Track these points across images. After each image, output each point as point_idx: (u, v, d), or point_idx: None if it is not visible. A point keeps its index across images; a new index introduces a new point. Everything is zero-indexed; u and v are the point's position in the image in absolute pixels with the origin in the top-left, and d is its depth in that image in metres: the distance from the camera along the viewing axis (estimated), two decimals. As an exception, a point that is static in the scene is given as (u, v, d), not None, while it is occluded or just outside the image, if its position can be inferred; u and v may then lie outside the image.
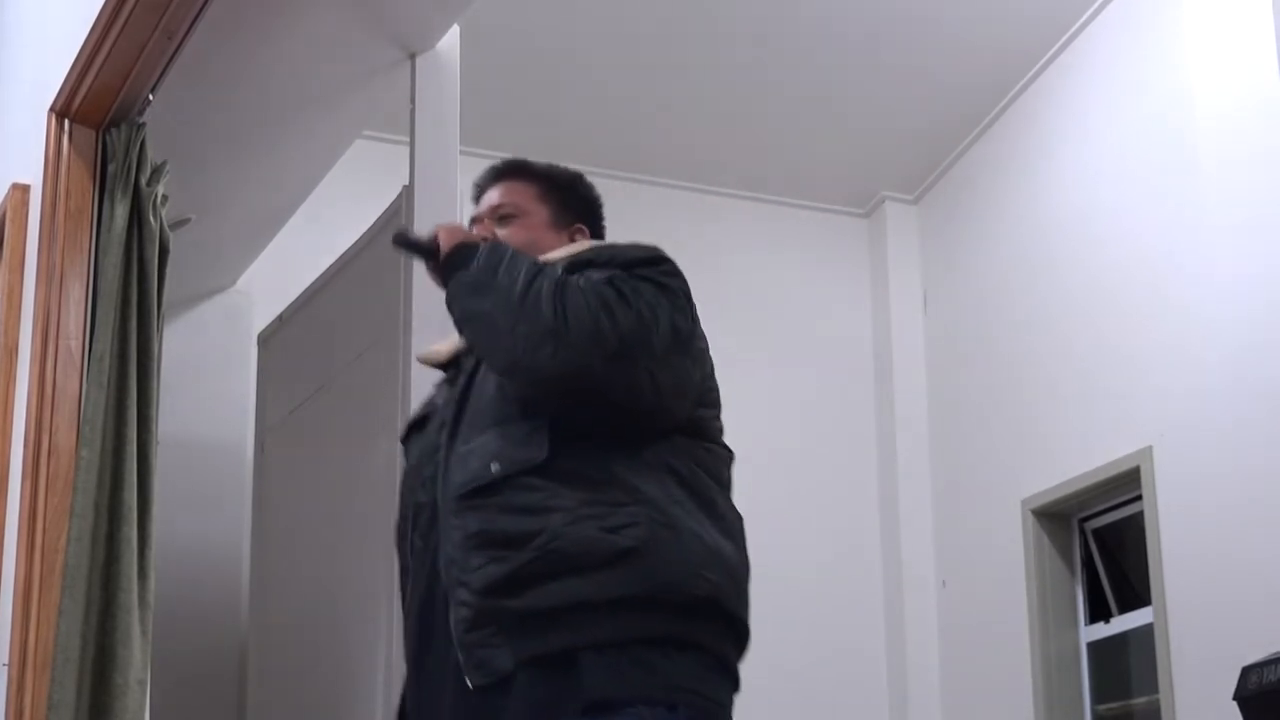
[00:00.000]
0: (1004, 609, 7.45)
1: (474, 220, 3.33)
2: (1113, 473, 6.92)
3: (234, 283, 6.47)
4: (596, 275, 2.94)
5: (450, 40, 4.99)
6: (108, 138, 4.34)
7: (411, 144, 4.91)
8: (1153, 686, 6.68)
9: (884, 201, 8.39)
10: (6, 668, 4.03)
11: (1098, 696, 7.26)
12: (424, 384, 4.52)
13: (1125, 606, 7.17)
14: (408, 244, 3.15)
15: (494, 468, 2.87)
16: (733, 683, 2.89)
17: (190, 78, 4.46)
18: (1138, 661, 7.04)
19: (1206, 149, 6.63)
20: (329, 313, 5.62)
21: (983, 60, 7.54)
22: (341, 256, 5.48)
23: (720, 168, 8.02)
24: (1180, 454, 6.59)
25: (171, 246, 4.31)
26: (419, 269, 4.75)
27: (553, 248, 3.21)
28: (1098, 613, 7.32)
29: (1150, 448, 6.72)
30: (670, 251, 3.09)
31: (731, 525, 2.95)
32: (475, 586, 2.81)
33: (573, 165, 7.56)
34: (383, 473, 4.85)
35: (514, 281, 2.89)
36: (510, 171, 3.40)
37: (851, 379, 8.25)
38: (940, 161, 8.19)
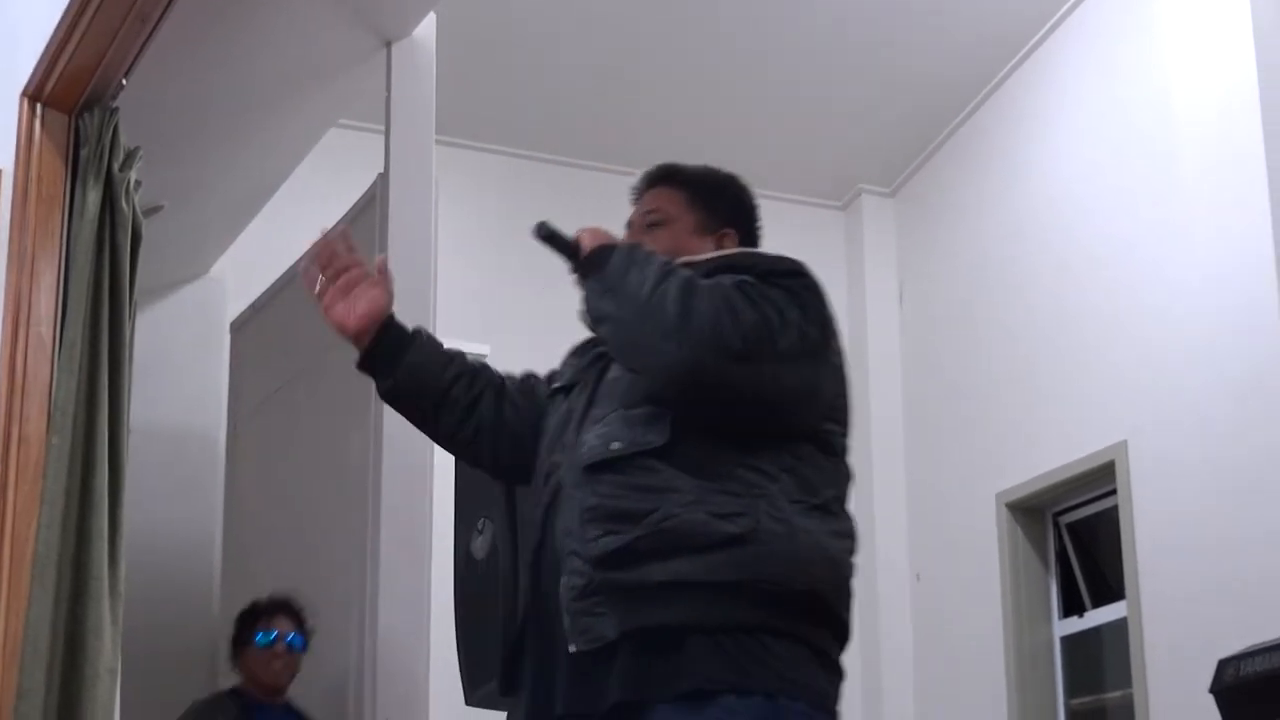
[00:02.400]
0: (978, 602, 7.45)
1: (627, 225, 3.38)
2: (1087, 467, 6.94)
3: (207, 270, 6.44)
4: (729, 279, 2.99)
5: (426, 28, 4.97)
6: (80, 122, 4.30)
7: (387, 131, 4.89)
8: (1126, 681, 6.69)
9: (861, 194, 8.39)
10: (-25, 656, 4.01)
11: (1071, 690, 7.27)
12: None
13: (1099, 600, 7.18)
14: (551, 238, 3.15)
15: (614, 446, 2.96)
16: (836, 673, 2.95)
17: (164, 63, 4.42)
18: (1111, 656, 7.05)
19: (1181, 145, 6.65)
20: (302, 301, 5.56)
21: (960, 53, 7.53)
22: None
23: (696, 158, 7.94)
24: (1154, 449, 6.60)
25: (144, 233, 4.28)
26: (394, 260, 4.74)
27: (698, 253, 3.24)
28: (1071, 607, 7.32)
29: (1124, 442, 6.72)
30: (645, 243, 3.10)
31: (844, 531, 3.01)
32: (589, 557, 2.89)
33: (545, 155, 7.57)
34: (355, 461, 4.84)
35: (643, 282, 2.96)
36: (662, 177, 3.45)
37: (826, 371, 8.22)
38: (917, 155, 8.19)
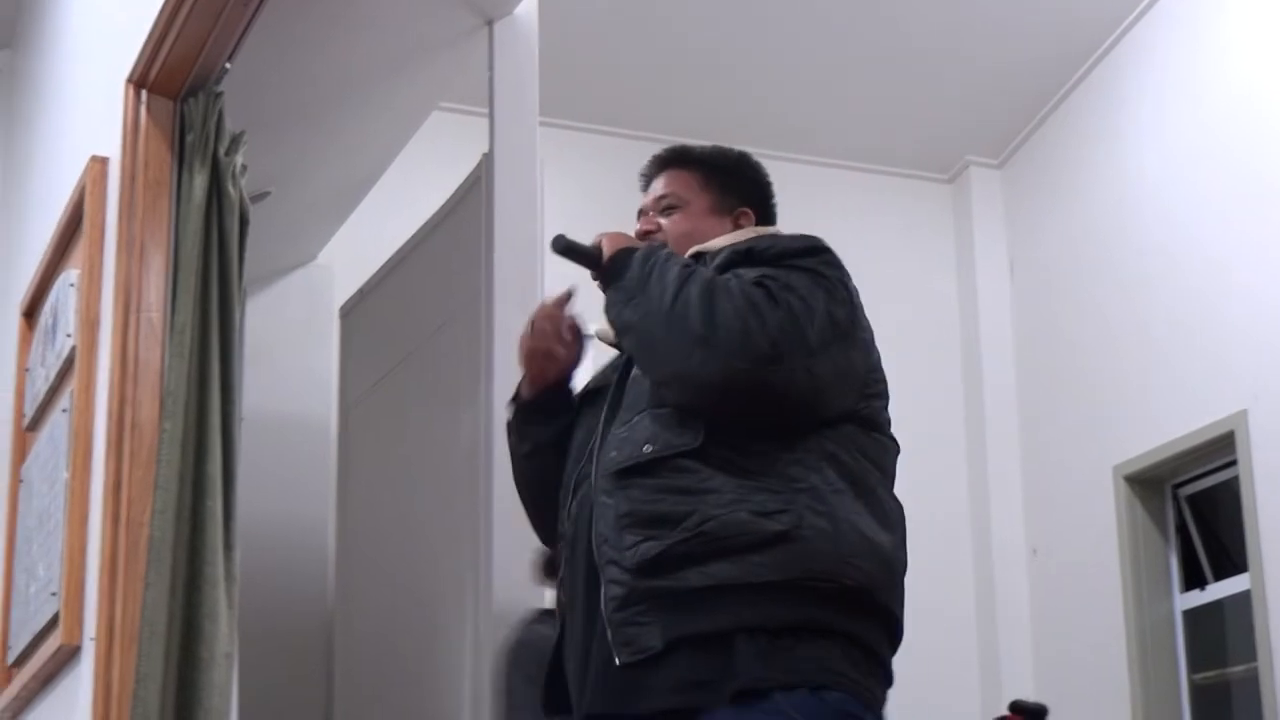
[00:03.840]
0: (1096, 577, 7.37)
1: (641, 212, 3.35)
2: (1206, 437, 6.84)
3: (315, 257, 6.45)
4: (750, 273, 2.93)
5: (529, 6, 4.95)
6: (185, 108, 4.30)
7: (491, 112, 4.86)
8: (1250, 654, 6.60)
9: (968, 167, 8.32)
10: (94, 642, 4.02)
11: (1193, 665, 7.17)
12: (506, 356, 4.51)
13: (1220, 573, 7.08)
14: (570, 250, 3.13)
15: (646, 449, 2.90)
16: (884, 674, 2.88)
17: (267, 47, 4.42)
18: (1234, 629, 6.95)
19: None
20: (410, 285, 5.59)
21: (1067, 22, 7.46)
22: (422, 228, 5.45)
23: (802, 135, 7.95)
24: (1275, 417, 6.50)
25: (251, 218, 4.27)
26: (500, 239, 4.74)
27: (714, 235, 3.21)
28: (1192, 580, 7.22)
29: (1245, 411, 6.62)
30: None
31: (891, 517, 2.93)
32: (627, 565, 2.83)
33: (650, 132, 7.54)
34: (466, 444, 4.82)
35: (664, 290, 2.91)
36: (672, 160, 3.39)
37: (938, 347, 8.18)
38: (1024, 126, 8.11)
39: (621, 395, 3.07)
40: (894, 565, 2.89)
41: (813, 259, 2.98)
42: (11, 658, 4.95)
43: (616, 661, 2.80)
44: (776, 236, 3.12)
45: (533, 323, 3.29)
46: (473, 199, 4.94)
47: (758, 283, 2.89)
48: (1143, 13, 7.36)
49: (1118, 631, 7.21)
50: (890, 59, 7.61)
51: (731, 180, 3.35)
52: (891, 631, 2.89)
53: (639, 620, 2.80)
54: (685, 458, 2.86)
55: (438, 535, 5.08)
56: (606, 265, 3.07)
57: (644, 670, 2.79)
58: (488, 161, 4.86)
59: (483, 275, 4.74)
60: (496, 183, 4.79)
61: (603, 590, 2.86)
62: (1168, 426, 7.05)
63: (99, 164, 4.51)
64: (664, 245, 3.12)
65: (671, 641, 2.77)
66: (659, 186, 3.34)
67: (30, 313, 5.25)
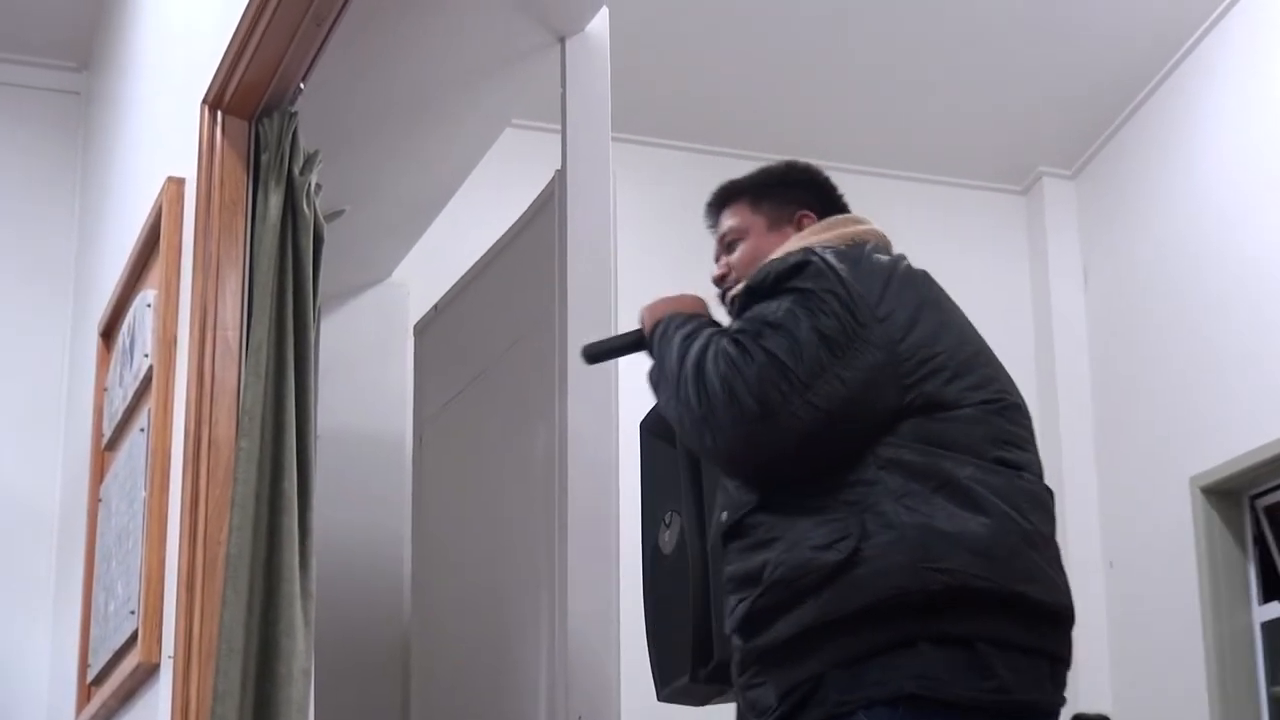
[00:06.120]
0: (1174, 589, 7.32)
1: (716, 260, 3.42)
2: (1284, 447, 6.78)
3: (389, 274, 6.47)
4: (733, 327, 2.97)
5: (600, 22, 4.95)
6: (260, 128, 4.33)
7: (563, 128, 4.87)
8: (1331, 666, 6.55)
9: (1041, 178, 8.28)
10: (172, 660, 4.05)
11: (1273, 677, 7.11)
12: (579, 371, 4.52)
13: (1300, 585, 7.03)
14: (604, 354, 3.20)
15: (723, 516, 2.97)
16: (999, 659, 2.79)
17: (340, 66, 4.45)
18: (1315, 641, 6.90)
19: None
20: (484, 301, 5.61)
21: (1140, 33, 7.41)
22: (495, 245, 5.47)
23: (875, 148, 7.93)
24: (1353, 426, 6.45)
25: (326, 237, 4.30)
26: (573, 255, 4.75)
27: (780, 248, 3.21)
28: (1271, 591, 7.16)
29: (1322, 421, 6.58)
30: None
31: (981, 496, 2.83)
32: (733, 629, 2.91)
33: (725, 148, 7.53)
34: (541, 459, 4.83)
35: (670, 373, 2.98)
36: (723, 198, 3.45)
37: (1012, 358, 8.00)
38: (1097, 136, 8.07)
39: None
40: (995, 546, 2.80)
41: (797, 278, 2.95)
42: (91, 676, 4.98)
43: None
44: (770, 263, 3.08)
45: None
46: (545, 215, 4.95)
47: (733, 339, 2.89)
48: (1215, 22, 7.31)
49: (1195, 644, 7.16)
50: (963, 71, 7.58)
51: (781, 190, 3.38)
52: (1016, 607, 2.81)
53: (755, 682, 2.86)
54: (754, 514, 2.90)
55: (513, 551, 5.09)
56: (646, 342, 3.18)
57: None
58: (560, 178, 4.87)
59: (556, 291, 4.75)
60: (569, 199, 4.80)
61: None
62: (1244, 437, 6.99)
63: (175, 185, 4.55)
64: (677, 316, 3.14)
65: (781, 694, 2.80)
66: (723, 225, 3.40)
67: (108, 333, 5.30)
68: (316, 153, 4.30)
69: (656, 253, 7.15)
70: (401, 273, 6.48)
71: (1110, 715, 5.13)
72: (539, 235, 5.00)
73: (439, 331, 6.01)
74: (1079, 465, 7.93)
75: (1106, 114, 7.93)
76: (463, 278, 5.77)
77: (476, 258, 5.63)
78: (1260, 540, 7.22)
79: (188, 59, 4.70)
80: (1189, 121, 7.56)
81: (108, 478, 5.09)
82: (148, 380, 4.60)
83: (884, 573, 2.74)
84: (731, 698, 4.14)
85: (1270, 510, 7.18)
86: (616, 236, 4.84)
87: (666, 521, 4.35)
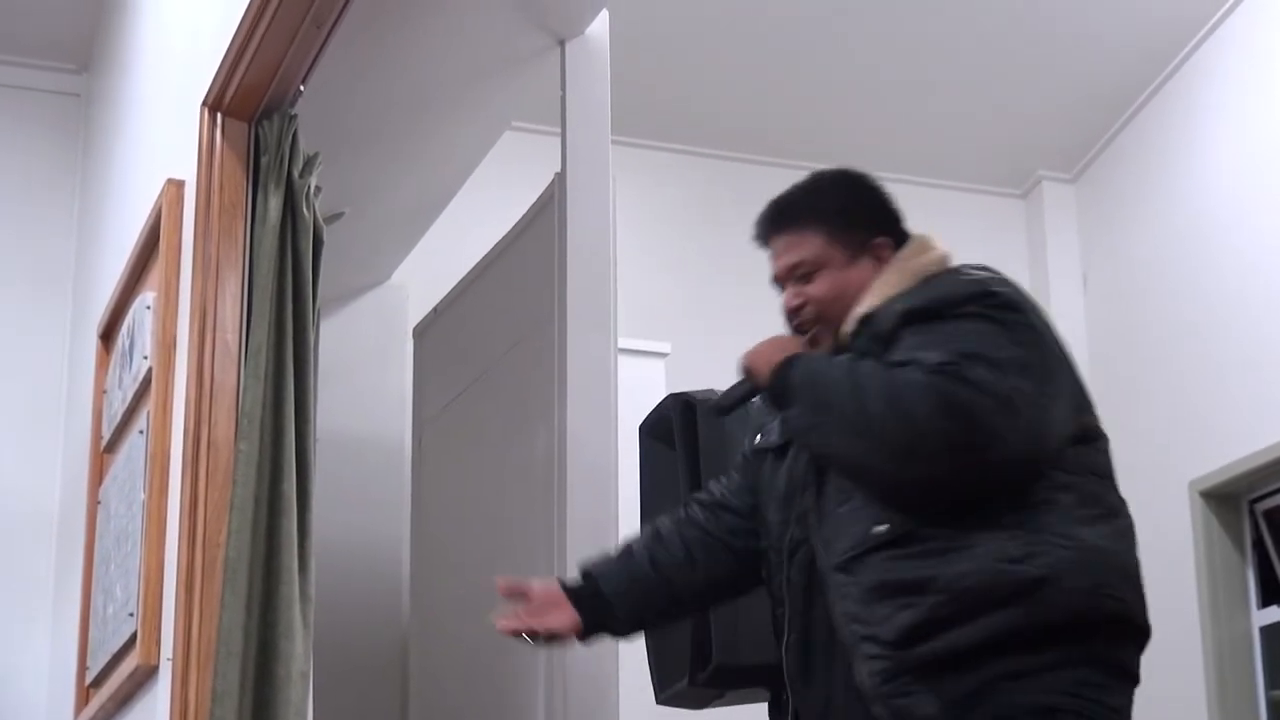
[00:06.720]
0: (1172, 593, 7.30)
1: (775, 282, 3.27)
2: (1283, 452, 6.78)
3: (388, 277, 6.47)
4: (931, 356, 2.84)
5: (600, 25, 4.95)
6: (260, 130, 4.34)
7: (563, 132, 4.87)
8: (1330, 670, 6.54)
9: (1041, 182, 8.27)
10: (171, 662, 4.05)
11: (1271, 682, 7.11)
12: (579, 373, 4.52)
13: (1299, 589, 7.03)
14: (732, 406, 3.17)
15: (880, 529, 2.87)
16: (1131, 680, 2.89)
17: (340, 69, 4.46)
18: (1313, 645, 6.89)
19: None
20: (483, 304, 5.61)
21: (1139, 34, 7.41)
22: (494, 247, 5.47)
23: (874, 150, 7.90)
24: (1352, 431, 6.45)
25: (325, 239, 4.30)
26: (573, 258, 4.75)
27: (862, 283, 3.15)
28: (1270, 596, 7.16)
29: (1322, 425, 6.58)
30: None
31: (1122, 524, 2.94)
32: (887, 637, 2.81)
33: (725, 151, 7.52)
34: (540, 462, 4.83)
35: (843, 412, 2.87)
36: (786, 220, 3.29)
37: (1011, 362, 8.13)
38: (1097, 140, 8.06)
39: (826, 467, 3.02)
40: (1139, 577, 2.91)
41: (984, 302, 2.93)
42: (90, 677, 4.99)
43: None
44: (938, 288, 3.04)
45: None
46: (545, 218, 4.95)
47: (938, 369, 2.82)
48: (1214, 27, 7.31)
49: (1194, 648, 7.16)
50: (963, 75, 7.58)
51: (851, 217, 3.27)
52: (1142, 641, 2.92)
53: (908, 691, 2.78)
54: (922, 525, 2.85)
55: (513, 553, 5.08)
56: (769, 390, 3.06)
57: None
58: (560, 181, 4.86)
59: (555, 293, 4.75)
60: (569, 201, 4.80)
61: (857, 666, 2.85)
62: (1243, 441, 6.99)
63: (175, 187, 4.55)
64: (802, 356, 3.07)
65: (946, 704, 2.76)
66: (784, 253, 3.25)
67: (107, 335, 5.30)
68: (316, 155, 4.30)
69: (656, 255, 7.16)
70: (401, 275, 6.48)
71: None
72: (538, 238, 4.99)
73: (438, 334, 6.01)
74: (1078, 469, 7.92)
75: (1106, 118, 7.92)
76: (462, 280, 5.77)
77: (476, 260, 5.63)
78: (1259, 544, 7.21)
79: (187, 61, 4.70)
80: (1188, 126, 7.56)
81: (107, 480, 5.09)
82: (147, 382, 4.60)
83: (1071, 592, 2.77)
84: (729, 701, 4.16)
85: (1269, 514, 7.18)
86: (616, 239, 4.84)
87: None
